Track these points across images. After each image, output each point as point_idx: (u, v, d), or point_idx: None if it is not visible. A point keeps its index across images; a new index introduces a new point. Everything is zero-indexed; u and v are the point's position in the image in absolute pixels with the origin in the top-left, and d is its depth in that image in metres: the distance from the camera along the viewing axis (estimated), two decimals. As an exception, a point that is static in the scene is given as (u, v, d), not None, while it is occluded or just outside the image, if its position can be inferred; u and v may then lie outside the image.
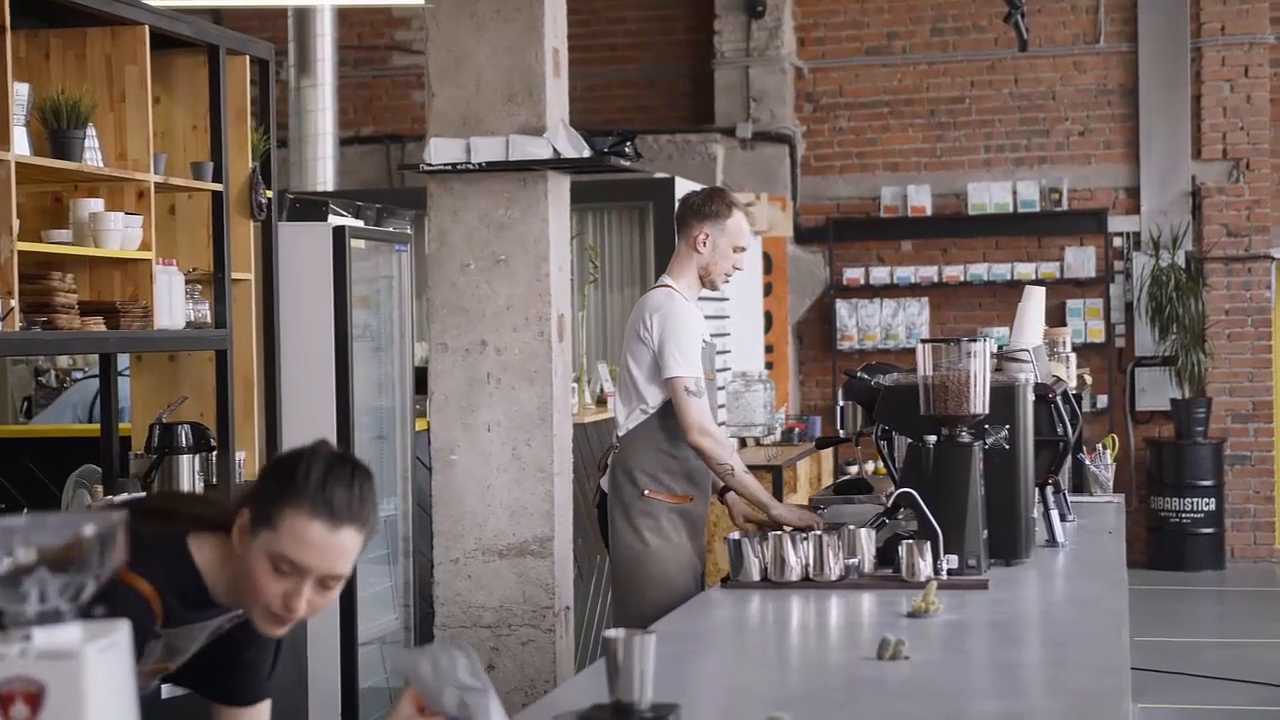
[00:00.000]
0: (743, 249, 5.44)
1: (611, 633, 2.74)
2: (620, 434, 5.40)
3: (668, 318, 5.24)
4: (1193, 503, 12.36)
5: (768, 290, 12.35)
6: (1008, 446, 4.53)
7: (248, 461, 5.89)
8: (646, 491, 5.27)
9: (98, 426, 5.78)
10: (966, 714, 2.93)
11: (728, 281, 5.53)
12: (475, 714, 2.52)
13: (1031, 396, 4.72)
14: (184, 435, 5.45)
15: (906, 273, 12.98)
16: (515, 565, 5.82)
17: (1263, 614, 11.07)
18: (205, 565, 2.68)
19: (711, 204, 5.42)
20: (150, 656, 2.69)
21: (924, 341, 4.49)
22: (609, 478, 5.42)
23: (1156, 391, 12.71)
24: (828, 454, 11.34)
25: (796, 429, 10.90)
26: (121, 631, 1.76)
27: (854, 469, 12.24)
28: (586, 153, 5.96)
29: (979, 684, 3.24)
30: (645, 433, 5.30)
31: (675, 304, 5.29)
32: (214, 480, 5.62)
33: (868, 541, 4.36)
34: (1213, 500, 12.38)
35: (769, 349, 12.37)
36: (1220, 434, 12.61)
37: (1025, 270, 12.71)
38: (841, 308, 13.06)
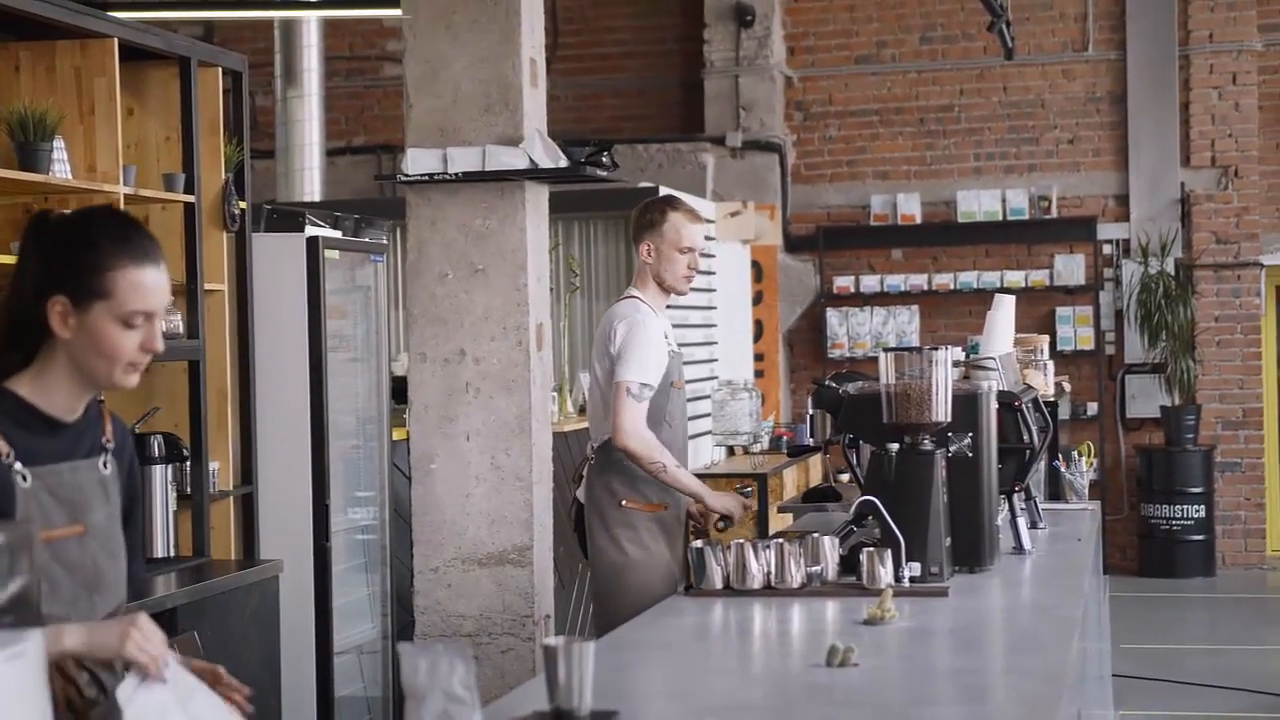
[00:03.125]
0: (689, 249, 5.45)
1: (550, 641, 2.77)
2: (595, 445, 5.44)
3: (632, 326, 5.33)
4: (1183, 510, 12.36)
5: (758, 299, 12.37)
6: (970, 454, 4.55)
7: (221, 472, 5.91)
8: (624, 502, 5.33)
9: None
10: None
11: (690, 282, 5.55)
12: None
13: (995, 404, 4.73)
14: (157, 446, 5.47)
15: (897, 281, 12.99)
16: (495, 574, 5.83)
17: (1252, 621, 11.07)
18: (29, 393, 2.77)
19: (646, 214, 5.50)
20: (47, 511, 2.72)
21: (886, 350, 4.50)
22: (585, 489, 5.46)
23: (1146, 399, 12.72)
24: (816, 461, 11.34)
25: (785, 437, 10.90)
26: (32, 641, 1.78)
27: (845, 477, 12.25)
28: (563, 163, 5.97)
29: (921, 691, 3.25)
30: None
31: (640, 314, 5.37)
32: (188, 490, 5.64)
33: (831, 549, 4.37)
34: (1203, 507, 12.38)
35: (759, 357, 12.38)
36: (1210, 441, 12.61)
37: (1015, 278, 12.72)
38: (832, 316, 13.07)
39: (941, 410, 4.41)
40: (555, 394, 7.84)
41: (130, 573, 2.92)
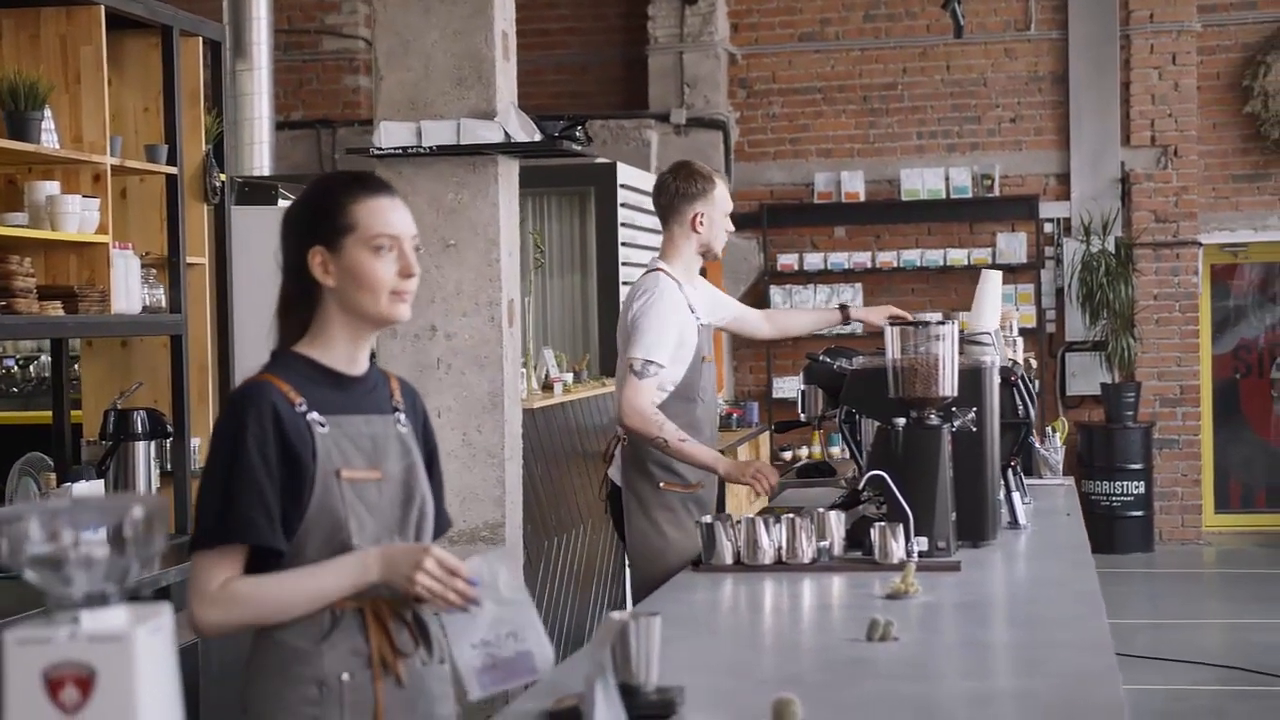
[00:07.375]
0: (730, 210, 5.46)
1: (618, 615, 2.74)
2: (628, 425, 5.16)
3: (651, 302, 5.18)
4: (1122, 486, 12.50)
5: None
6: (975, 428, 4.55)
7: (203, 448, 5.82)
8: (662, 484, 5.19)
9: (49, 414, 5.69)
10: (968, 693, 2.95)
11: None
12: (520, 630, 2.57)
13: (997, 379, 4.75)
14: (139, 421, 5.37)
15: (840, 259, 13.03)
16: (466, 552, 5.74)
17: (1191, 595, 11.22)
18: (311, 351, 2.93)
19: (696, 183, 5.37)
20: (347, 455, 2.86)
21: (892, 324, 4.49)
22: (622, 470, 5.26)
23: (1087, 376, 12.84)
24: (765, 439, 11.37)
25: (734, 415, 10.93)
26: (165, 615, 1.74)
27: (788, 454, 12.29)
28: (537, 137, 5.94)
29: (972, 664, 3.25)
30: None
31: (660, 287, 5.22)
32: (169, 467, 5.55)
33: (837, 524, 4.37)
34: (1142, 483, 12.53)
35: (703, 335, 12.36)
36: (1149, 418, 12.76)
37: (958, 256, 12.80)
38: (776, 294, 13.09)
39: (948, 385, 4.41)
40: (523, 370, 7.79)
41: (438, 523, 3.07)
